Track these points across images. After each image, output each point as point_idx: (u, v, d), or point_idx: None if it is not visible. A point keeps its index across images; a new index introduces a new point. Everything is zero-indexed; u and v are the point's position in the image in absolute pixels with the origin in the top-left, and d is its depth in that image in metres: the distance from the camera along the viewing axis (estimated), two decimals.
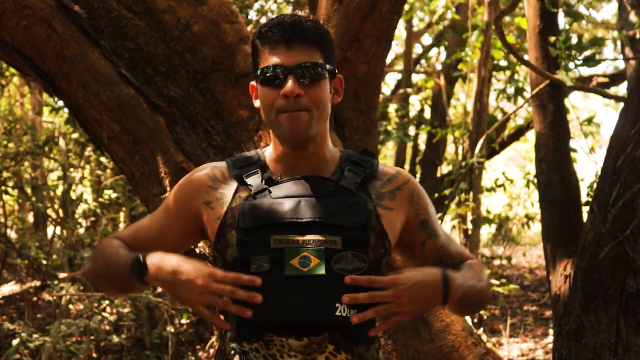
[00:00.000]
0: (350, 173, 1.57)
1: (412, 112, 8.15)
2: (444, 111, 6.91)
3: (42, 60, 2.59)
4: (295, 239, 1.46)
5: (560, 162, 3.63)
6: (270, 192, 1.53)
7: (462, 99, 8.36)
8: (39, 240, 7.80)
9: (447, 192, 5.41)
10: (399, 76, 8.76)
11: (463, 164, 5.33)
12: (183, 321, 5.39)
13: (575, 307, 3.07)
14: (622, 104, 3.28)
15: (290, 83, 1.50)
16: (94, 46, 2.58)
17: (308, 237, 1.47)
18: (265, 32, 1.54)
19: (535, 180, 4.00)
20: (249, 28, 4.61)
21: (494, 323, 6.38)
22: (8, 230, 7.45)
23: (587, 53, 3.48)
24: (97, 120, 2.62)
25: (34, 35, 2.54)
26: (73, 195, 6.50)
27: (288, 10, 8.30)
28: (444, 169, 8.65)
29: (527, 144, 10.74)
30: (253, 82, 1.61)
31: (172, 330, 5.10)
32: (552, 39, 3.56)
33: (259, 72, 1.55)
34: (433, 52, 9.61)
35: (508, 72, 7.55)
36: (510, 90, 6.47)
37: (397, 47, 10.24)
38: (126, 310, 5.78)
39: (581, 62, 3.48)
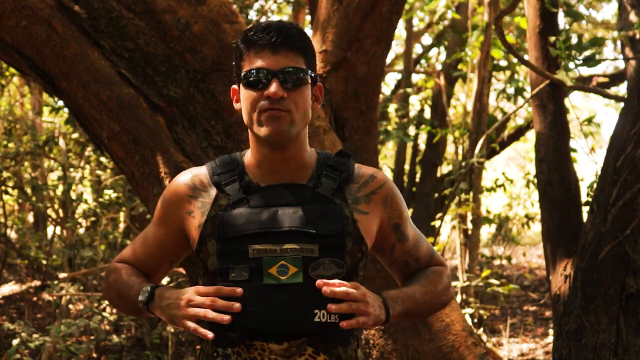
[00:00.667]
0: (326, 179, 1.60)
1: (412, 112, 8.15)
2: (444, 111, 6.91)
3: (42, 60, 2.59)
4: (273, 249, 1.51)
5: (560, 162, 3.63)
6: (248, 201, 1.56)
7: (462, 99, 8.36)
8: (39, 240, 7.81)
9: (447, 192, 5.40)
10: (399, 76, 8.77)
11: (463, 164, 5.32)
12: None
13: (575, 307, 3.07)
14: (622, 104, 3.28)
15: (274, 85, 1.53)
16: (94, 46, 2.58)
17: (285, 246, 1.51)
18: (251, 36, 1.57)
19: (535, 180, 4.00)
20: None
21: (494, 323, 6.38)
22: (8, 230, 7.45)
23: (587, 53, 3.49)
24: (97, 120, 2.61)
25: (34, 35, 2.54)
26: (73, 195, 6.49)
27: (288, 10, 8.31)
28: (444, 169, 8.65)
29: (527, 144, 10.75)
30: (235, 86, 1.65)
31: (172, 330, 5.09)
32: (552, 39, 3.56)
33: (242, 74, 1.58)
34: (433, 52, 9.62)
35: (508, 72, 7.54)
36: (510, 90, 6.47)
37: (397, 47, 10.25)
38: None
39: (581, 62, 3.48)
